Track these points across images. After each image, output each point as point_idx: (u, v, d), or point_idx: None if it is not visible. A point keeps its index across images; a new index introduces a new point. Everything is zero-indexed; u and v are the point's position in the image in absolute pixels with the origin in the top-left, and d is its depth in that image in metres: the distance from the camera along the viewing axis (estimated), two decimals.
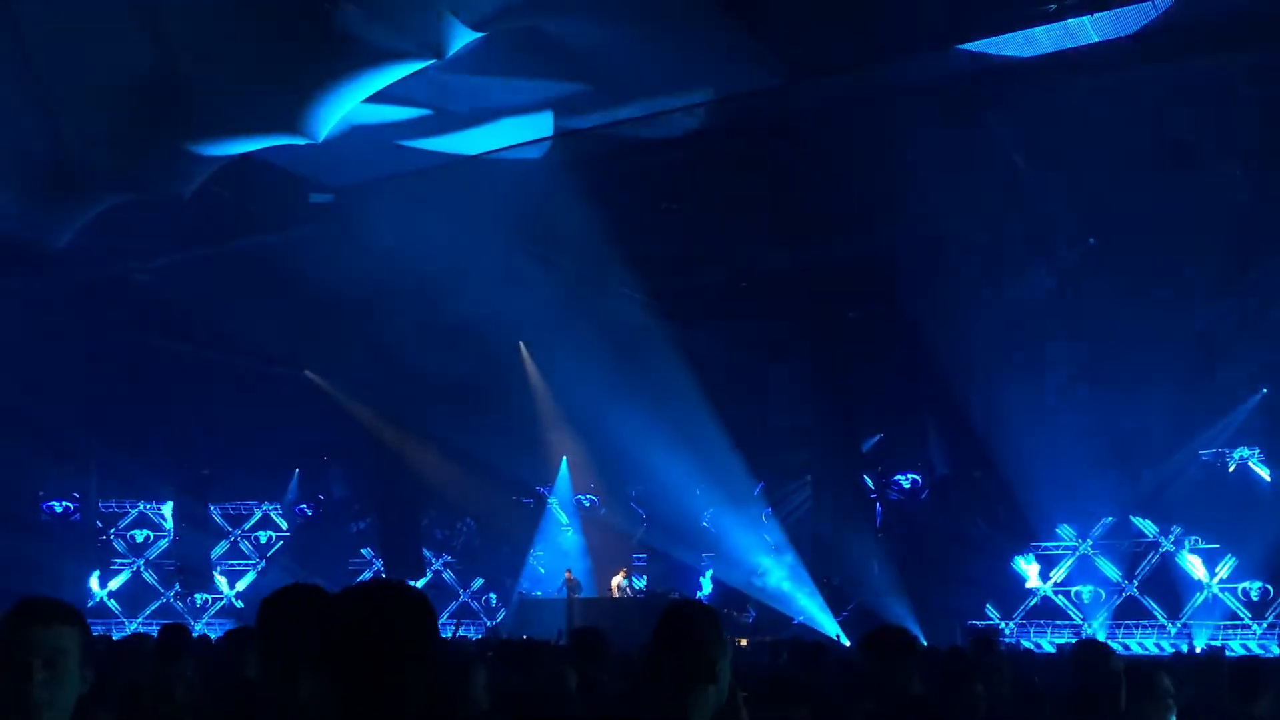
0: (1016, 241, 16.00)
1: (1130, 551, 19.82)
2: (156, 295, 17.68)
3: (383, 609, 2.05)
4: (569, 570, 20.74)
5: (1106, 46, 11.37)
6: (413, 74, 10.90)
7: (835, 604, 20.00)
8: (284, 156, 13.57)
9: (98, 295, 17.81)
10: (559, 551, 23.92)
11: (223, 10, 9.59)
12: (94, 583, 25.12)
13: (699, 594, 22.03)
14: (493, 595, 24.81)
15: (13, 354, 18.33)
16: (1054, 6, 10.78)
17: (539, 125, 13.39)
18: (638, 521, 23.83)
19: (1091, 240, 16.59)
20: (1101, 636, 18.98)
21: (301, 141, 11.45)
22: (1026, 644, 19.06)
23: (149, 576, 25.78)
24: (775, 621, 19.89)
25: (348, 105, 11.11)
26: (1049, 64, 11.74)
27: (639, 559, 23.64)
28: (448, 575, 25.43)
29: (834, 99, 12.81)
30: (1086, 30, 11.09)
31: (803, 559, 20.53)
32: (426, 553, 25.50)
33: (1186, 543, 19.27)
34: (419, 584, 20.66)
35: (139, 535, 26.01)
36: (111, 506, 25.86)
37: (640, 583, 22.62)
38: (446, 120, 13.16)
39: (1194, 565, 19.17)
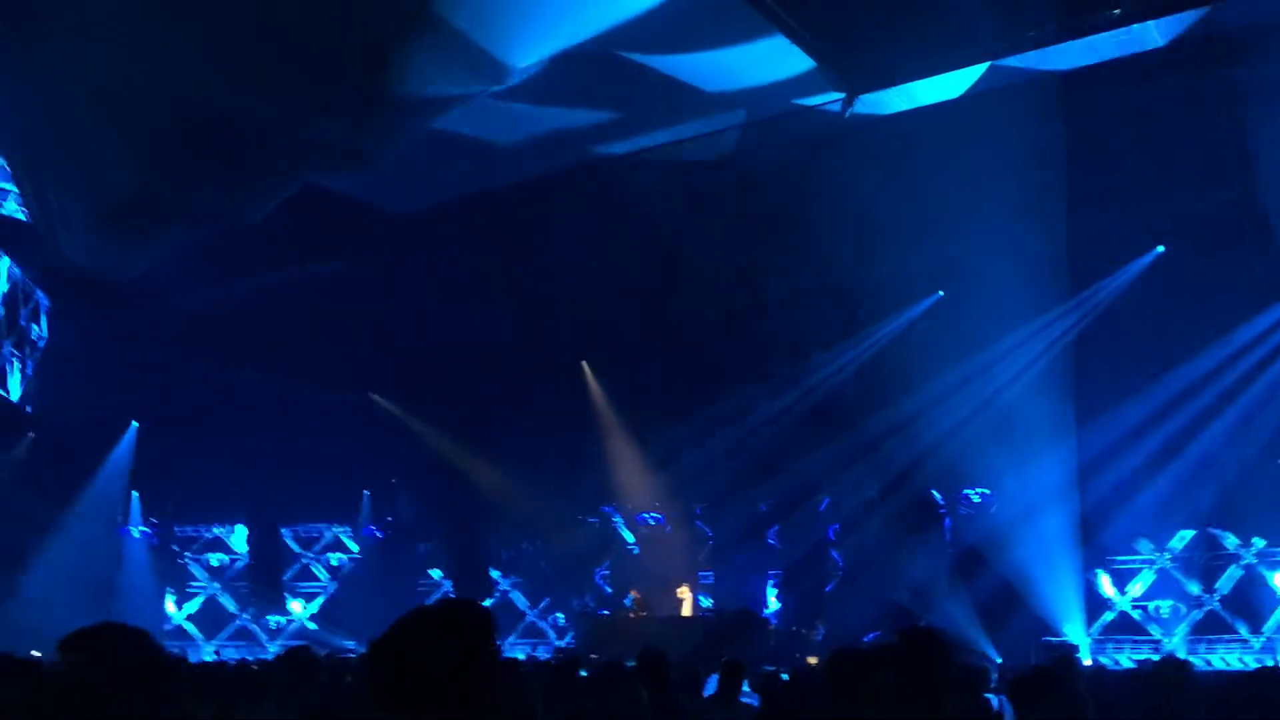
0: (1089, 249, 15.75)
1: (1210, 565, 19.30)
2: (228, 324, 18.07)
3: (436, 629, 2.09)
4: (636, 590, 20.72)
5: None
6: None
7: (906, 622, 19.72)
8: (350, 183, 13.83)
9: (170, 324, 18.23)
10: (625, 570, 23.91)
11: (286, 44, 9.80)
12: (170, 605, 25.61)
13: (765, 611, 21.87)
14: (560, 615, 24.85)
15: (91, 384, 18.85)
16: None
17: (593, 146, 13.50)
18: (703, 539, 23.76)
19: (1161, 248, 16.33)
20: (1182, 653, 18.50)
21: (366, 171, 11.66)
22: (1104, 660, 18.63)
23: (224, 599, 26.24)
24: (844, 640, 19.66)
25: (411, 133, 11.29)
26: None
27: (705, 577, 23.54)
28: (515, 595, 25.54)
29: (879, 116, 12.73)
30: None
31: (870, 576, 20.29)
32: (494, 573, 25.64)
33: (1269, 556, 18.73)
34: (487, 604, 20.77)
35: (214, 559, 26.49)
36: (187, 531, 26.38)
37: (706, 601, 22.53)
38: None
39: (1277, 578, 18.62)
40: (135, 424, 22.87)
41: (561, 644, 23.27)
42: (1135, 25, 10.76)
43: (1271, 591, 18.63)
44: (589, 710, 5.95)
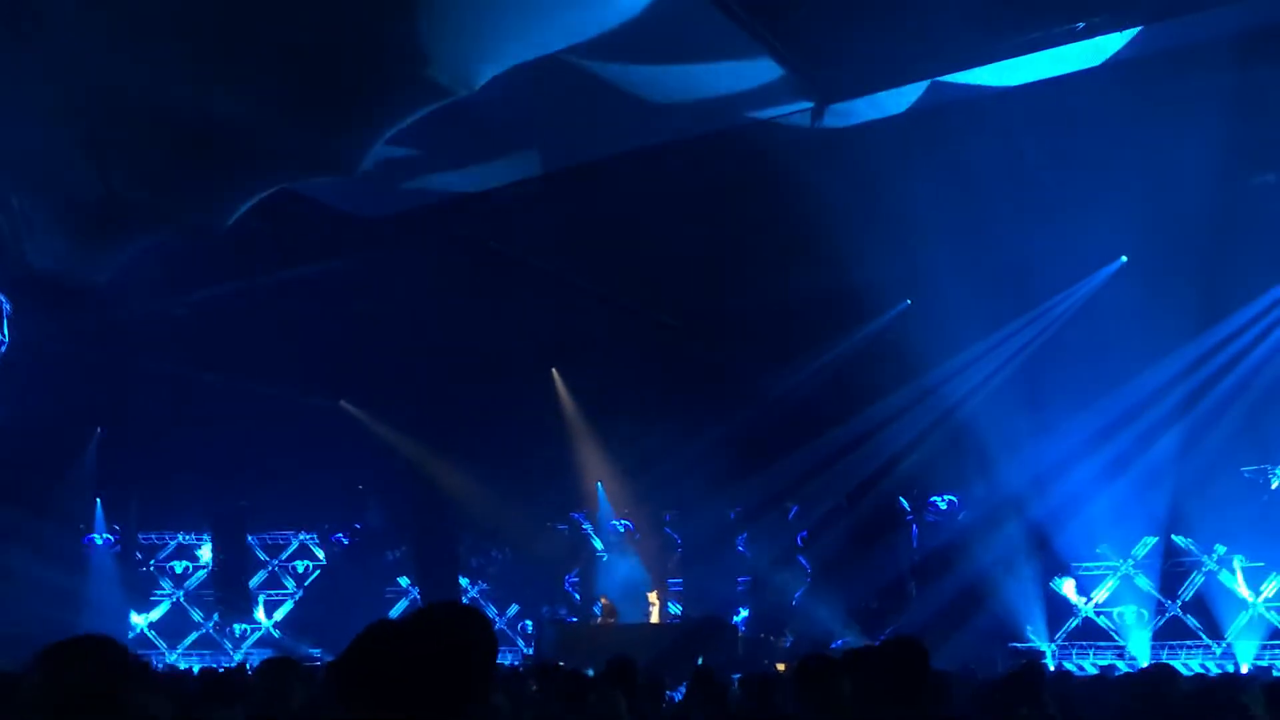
0: (1053, 259, 15.90)
1: (1172, 571, 19.56)
2: (193, 329, 17.91)
3: (453, 631, 2.10)
4: (605, 596, 20.72)
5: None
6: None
7: (874, 628, 19.85)
8: (320, 189, 13.76)
9: (136, 330, 18.05)
10: (594, 577, 23.91)
11: (261, 49, 9.75)
12: (135, 614, 25.34)
13: (734, 618, 21.93)
14: (528, 622, 24.80)
15: (52, 389, 18.62)
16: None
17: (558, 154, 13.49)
18: (673, 546, 23.80)
19: (1124, 258, 16.52)
20: (1144, 657, 18.73)
21: (337, 177, 11.61)
22: (1069, 665, 18.81)
23: (189, 607, 25.99)
24: (813, 646, 19.76)
25: (382, 139, 11.26)
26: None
27: (675, 584, 23.58)
28: (484, 603, 25.45)
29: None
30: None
31: (839, 582, 20.41)
32: (463, 580, 25.56)
33: (1230, 562, 19.00)
34: None
35: (178, 566, 26.24)
36: (151, 538, 26.12)
37: (676, 608, 22.56)
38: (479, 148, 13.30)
39: (1238, 584, 18.89)
40: (99, 430, 22.63)
41: (530, 651, 23.23)
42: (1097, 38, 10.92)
43: (1232, 597, 18.89)
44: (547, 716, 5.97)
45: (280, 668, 5.53)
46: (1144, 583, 19.73)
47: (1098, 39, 10.98)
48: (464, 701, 2.08)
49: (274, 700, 5.18)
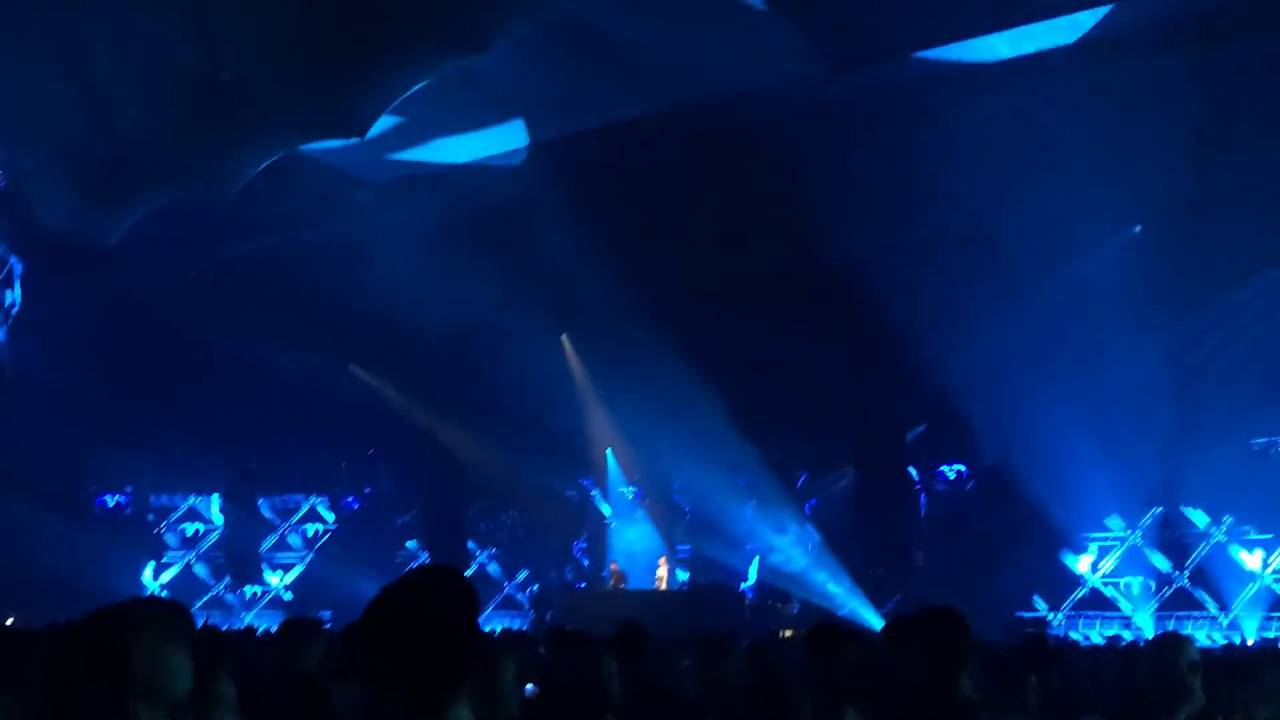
0: (1064, 228, 15.79)
1: (1180, 542, 19.55)
2: (205, 292, 17.94)
3: (425, 597, 2.10)
4: (614, 562, 20.80)
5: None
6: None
7: (879, 596, 19.91)
8: (327, 152, 13.72)
9: (147, 293, 18.08)
10: (603, 543, 24.00)
11: (270, 9, 9.70)
12: (147, 575, 25.55)
13: (743, 585, 22.01)
14: (536, 587, 24.93)
15: (65, 351, 18.70)
16: None
17: (574, 119, 13.41)
18: (681, 514, 23.85)
19: (1138, 228, 16.40)
20: (1149, 628, 18.76)
21: (347, 140, 11.57)
22: (1075, 635, 18.86)
23: (200, 569, 26.18)
24: (819, 614, 19.83)
25: (392, 101, 11.21)
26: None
27: (682, 551, 23.65)
28: (493, 567, 25.59)
29: (872, 84, 12.74)
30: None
31: (846, 551, 20.46)
32: (471, 545, 25.68)
33: (1238, 533, 18.98)
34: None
35: (189, 528, 26.41)
36: (163, 500, 26.28)
37: (684, 575, 22.65)
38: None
39: (1246, 556, 18.88)
40: (112, 392, 22.73)
41: (533, 616, 23.35)
42: None
43: (1239, 568, 18.89)
44: (555, 681, 5.99)
45: (300, 628, 5.56)
46: (1152, 554, 19.73)
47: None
48: (465, 667, 2.09)
49: (293, 659, 5.21)
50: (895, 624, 4.34)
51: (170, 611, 2.51)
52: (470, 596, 2.16)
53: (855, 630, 4.47)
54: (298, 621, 5.68)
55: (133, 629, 2.23)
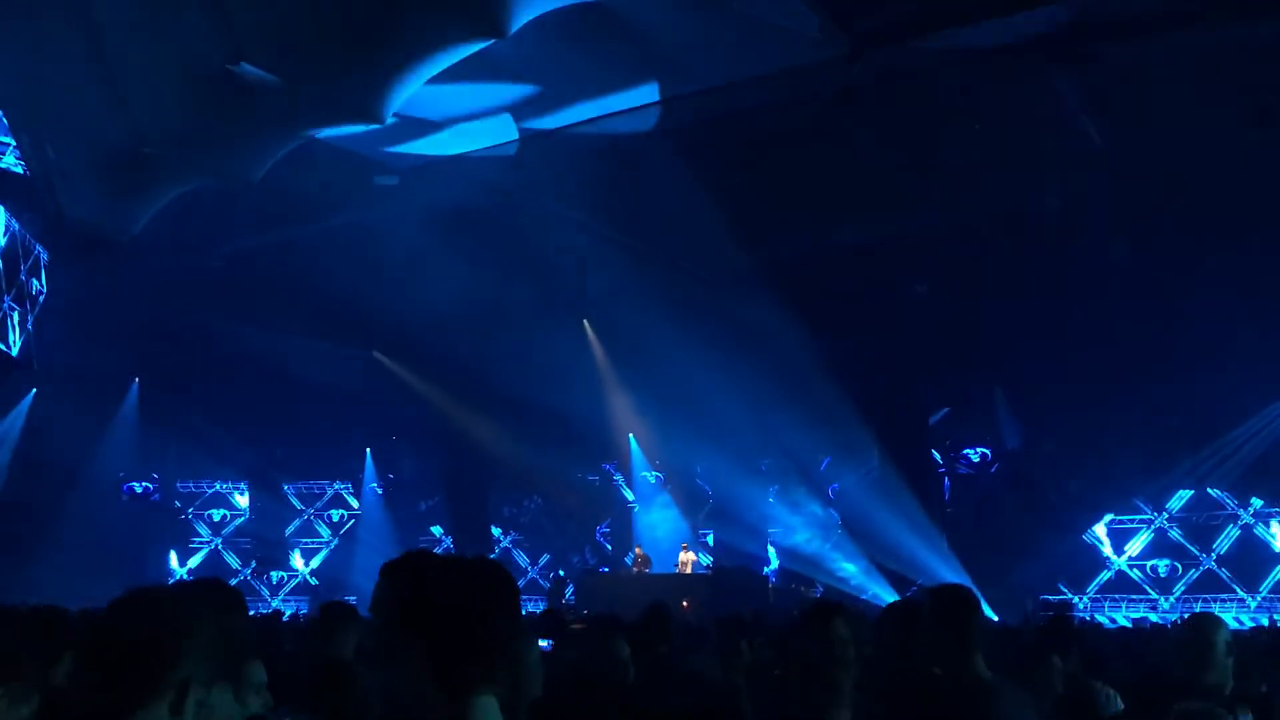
0: (1090, 208, 15.63)
1: (1207, 524, 19.42)
2: (229, 280, 18.02)
3: (479, 584, 2.09)
4: (639, 546, 20.83)
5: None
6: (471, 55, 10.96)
7: (902, 580, 19.87)
8: (348, 139, 13.73)
9: (171, 280, 18.18)
10: (626, 528, 24.06)
11: None
12: (174, 561, 25.80)
13: (766, 569, 22.02)
14: (560, 571, 25.02)
15: (90, 340, 18.83)
16: None
17: (592, 105, 13.34)
18: (704, 498, 23.86)
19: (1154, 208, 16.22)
20: (1175, 611, 18.66)
21: (367, 126, 11.58)
22: (1101, 618, 18.78)
23: (226, 554, 26.42)
24: (842, 597, 19.81)
25: (412, 88, 11.20)
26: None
27: (705, 535, 23.68)
28: (516, 552, 25.71)
29: (900, 67, 12.62)
30: None
31: (870, 533, 20.41)
32: (495, 530, 25.80)
33: (1266, 515, 18.83)
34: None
35: (216, 514, 26.64)
36: (189, 486, 26.52)
37: (706, 559, 22.67)
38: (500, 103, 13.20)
39: (1275, 537, 18.73)
40: (137, 380, 22.92)
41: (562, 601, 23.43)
42: None
43: (1268, 550, 18.74)
44: (575, 663, 6.00)
45: (338, 611, 5.59)
46: (1179, 536, 19.61)
47: None
48: (499, 658, 2.08)
49: (328, 643, 5.24)
50: (899, 605, 4.37)
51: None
52: (512, 590, 2.15)
53: (855, 611, 4.47)
54: (335, 605, 5.71)
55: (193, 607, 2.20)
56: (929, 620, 3.95)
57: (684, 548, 20.49)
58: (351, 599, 21.78)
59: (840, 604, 3.94)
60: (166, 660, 1.98)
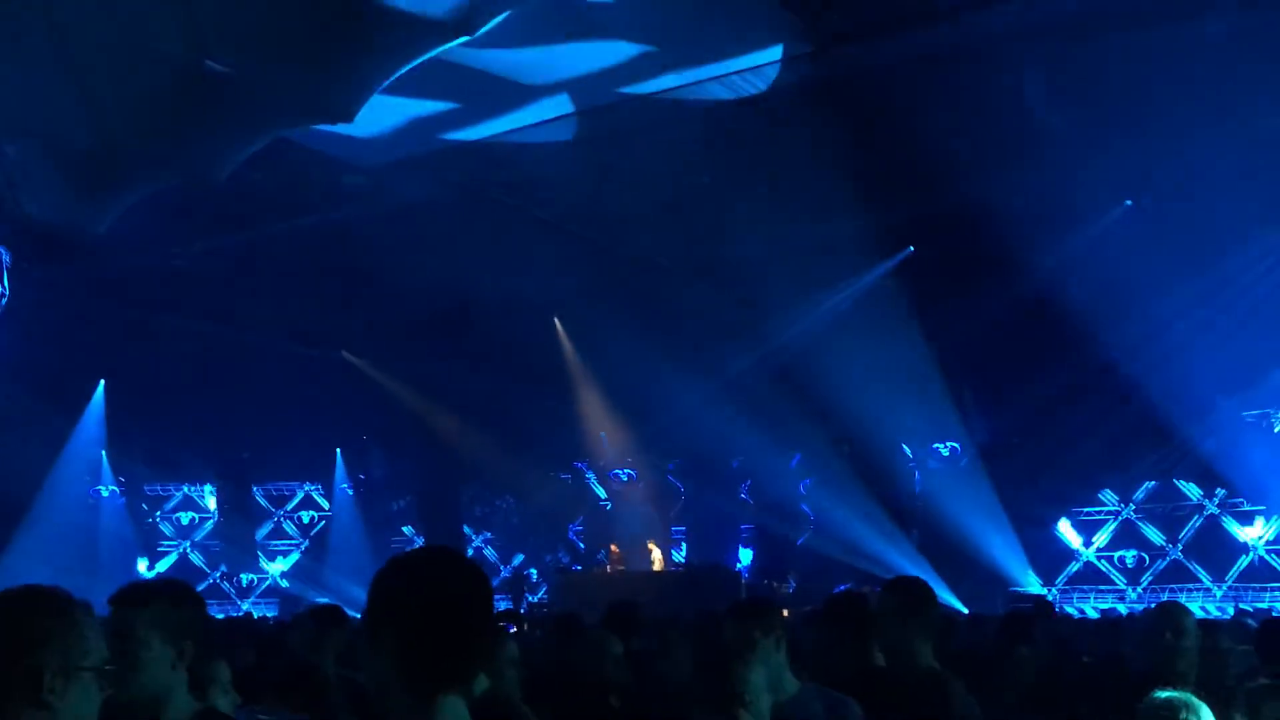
0: (1051, 203, 15.76)
1: (1173, 515, 19.65)
2: (195, 280, 17.87)
3: (448, 577, 2.07)
4: (614, 544, 20.81)
5: None
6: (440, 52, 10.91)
7: (875, 573, 19.96)
8: (317, 138, 13.63)
9: (137, 281, 18.01)
10: (598, 526, 24.05)
11: None
12: (141, 565, 25.54)
13: (738, 566, 22.08)
14: (533, 571, 24.98)
15: (53, 341, 18.61)
16: None
17: (591, 93, 13.26)
18: (676, 495, 23.90)
19: (1128, 201, 16.39)
20: (1143, 602, 18.88)
21: (335, 124, 11.50)
22: (1070, 610, 18.97)
23: (195, 558, 26.19)
24: (816, 592, 19.89)
25: (379, 85, 11.14)
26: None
27: (678, 532, 23.72)
28: (489, 552, 25.64)
29: (867, 63, 12.66)
30: None
31: (841, 529, 20.50)
32: (467, 529, 25.73)
33: (1231, 506, 19.07)
34: None
35: (184, 517, 26.40)
36: (156, 490, 26.26)
37: (679, 556, 22.71)
38: (477, 96, 13.14)
39: (1239, 528, 18.97)
40: (103, 382, 22.67)
41: (535, 599, 23.42)
42: None
43: (1234, 540, 18.99)
44: (558, 661, 6.00)
45: (326, 614, 5.63)
46: (1145, 527, 19.83)
47: None
48: (475, 656, 2.07)
49: (318, 646, 5.27)
50: (844, 595, 4.56)
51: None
52: (483, 582, 2.12)
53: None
54: (325, 609, 5.77)
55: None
56: (881, 610, 4.04)
57: (651, 545, 20.50)
58: (323, 601, 21.76)
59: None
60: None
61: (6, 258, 16.48)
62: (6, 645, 2.16)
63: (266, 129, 12.21)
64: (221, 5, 9.94)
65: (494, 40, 10.88)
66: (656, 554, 20.16)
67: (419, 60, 10.95)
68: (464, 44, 10.54)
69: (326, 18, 10.12)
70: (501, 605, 21.57)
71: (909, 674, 3.88)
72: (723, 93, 13.14)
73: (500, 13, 10.31)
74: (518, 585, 21.74)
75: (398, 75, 11.23)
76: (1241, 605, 17.76)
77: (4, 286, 16.84)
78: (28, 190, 12.21)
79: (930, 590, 4.13)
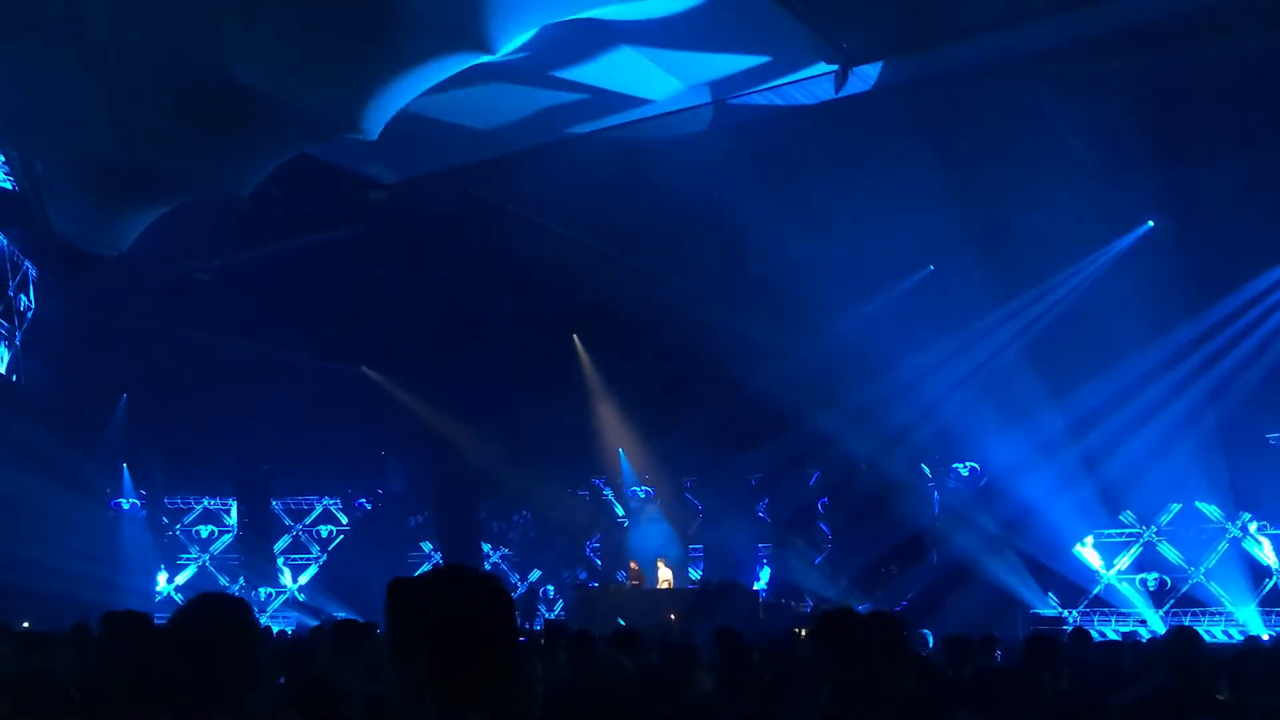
0: (1074, 225, 15.72)
1: (1196, 538, 19.46)
2: (217, 295, 17.99)
3: (473, 597, 2.08)
4: (634, 561, 20.73)
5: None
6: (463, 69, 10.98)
7: (895, 594, 19.87)
8: (340, 154, 13.73)
9: (160, 296, 18.14)
10: (616, 543, 23.99)
11: (281, 9, 9.71)
12: (161, 578, 25.65)
13: (756, 585, 21.98)
14: (550, 587, 24.95)
15: (78, 355, 18.77)
16: None
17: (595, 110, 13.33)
18: (693, 512, 23.84)
19: (1150, 224, 16.33)
20: (1163, 625, 18.67)
21: (357, 138, 11.57)
22: (1090, 632, 18.75)
23: (214, 571, 26.29)
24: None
25: (402, 101, 11.20)
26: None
27: (695, 550, 23.64)
28: (505, 567, 25.63)
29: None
30: None
31: (860, 548, 20.41)
32: (484, 545, 25.72)
33: (1255, 528, 18.88)
34: None
35: (204, 530, 26.53)
36: (176, 503, 26.40)
37: (695, 574, 22.64)
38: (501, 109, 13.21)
39: (1263, 552, 18.77)
40: (125, 396, 22.82)
41: (552, 615, 23.37)
42: None
43: (1257, 564, 18.78)
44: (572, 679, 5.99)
45: (350, 630, 5.65)
46: (1168, 549, 19.64)
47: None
48: (507, 667, 2.07)
49: (342, 660, 5.29)
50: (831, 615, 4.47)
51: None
52: (505, 601, 2.12)
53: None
54: (348, 624, 5.79)
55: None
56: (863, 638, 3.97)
57: (660, 563, 20.38)
58: (340, 615, 21.81)
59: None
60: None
61: (34, 273, 16.66)
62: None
63: (290, 144, 12.31)
64: (250, 20, 10.02)
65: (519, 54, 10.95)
66: (665, 573, 19.99)
67: (445, 76, 11.03)
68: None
69: (351, 33, 10.20)
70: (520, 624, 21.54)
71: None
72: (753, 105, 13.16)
73: (525, 31, 10.37)
74: (529, 600, 21.69)
75: (421, 91, 11.31)
76: (1267, 630, 17.58)
77: (31, 301, 17.01)
78: (54, 206, 12.35)
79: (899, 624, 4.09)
